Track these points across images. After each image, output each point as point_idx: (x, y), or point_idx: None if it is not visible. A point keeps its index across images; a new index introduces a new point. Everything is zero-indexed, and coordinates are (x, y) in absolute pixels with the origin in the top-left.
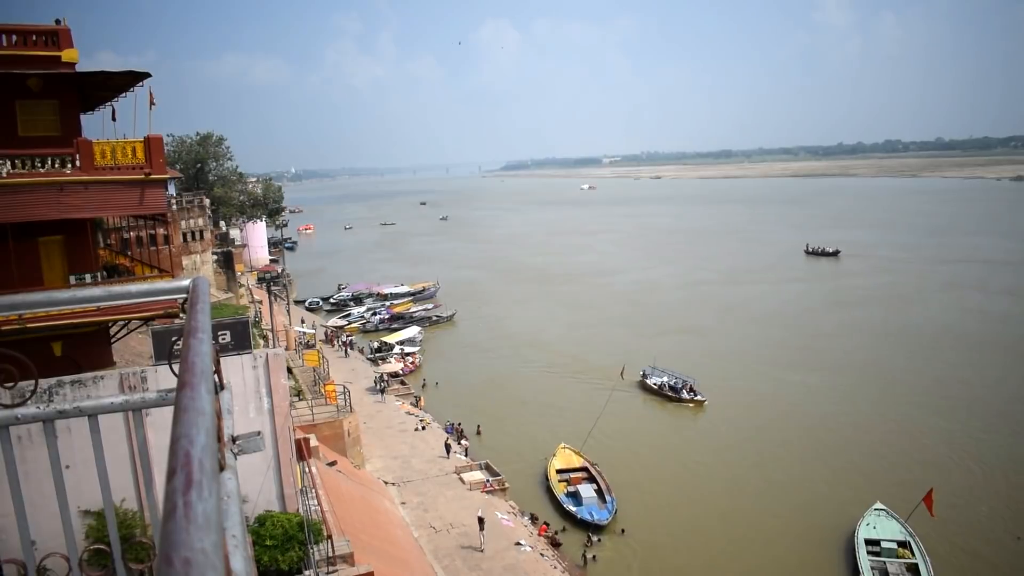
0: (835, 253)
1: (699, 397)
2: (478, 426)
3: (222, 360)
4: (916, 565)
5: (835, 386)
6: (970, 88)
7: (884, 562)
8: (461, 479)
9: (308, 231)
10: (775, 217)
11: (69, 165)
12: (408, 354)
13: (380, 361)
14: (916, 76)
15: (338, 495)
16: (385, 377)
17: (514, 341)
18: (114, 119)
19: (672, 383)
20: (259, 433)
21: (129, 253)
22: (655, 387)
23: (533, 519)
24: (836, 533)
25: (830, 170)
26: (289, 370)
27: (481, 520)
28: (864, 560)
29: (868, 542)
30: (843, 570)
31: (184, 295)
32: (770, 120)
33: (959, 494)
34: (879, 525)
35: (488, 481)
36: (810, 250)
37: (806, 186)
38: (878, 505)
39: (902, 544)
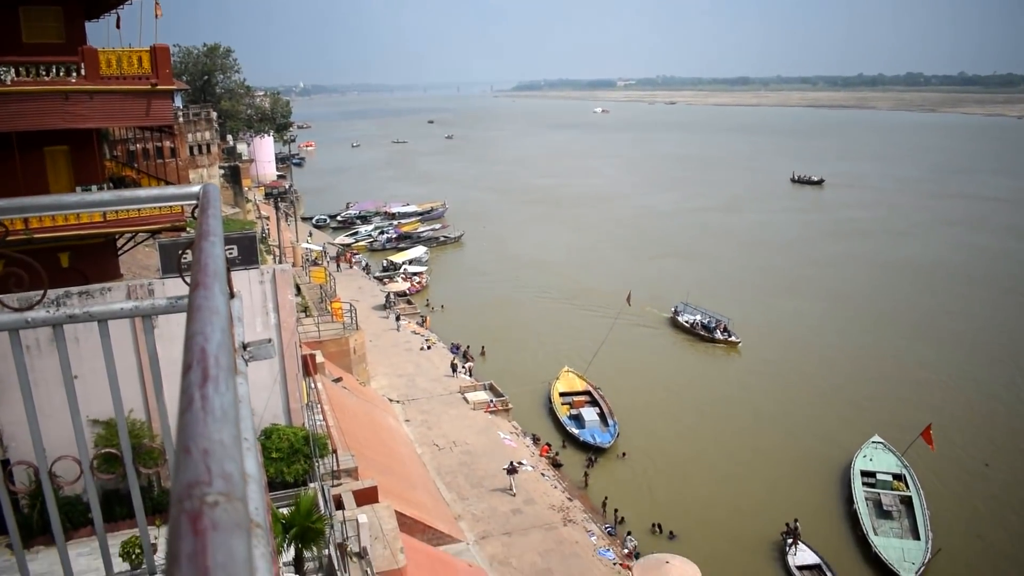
0: (819, 182)
1: (733, 338)
2: (482, 347)
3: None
4: (910, 497)
5: (832, 317)
6: (997, 22)
7: (879, 493)
8: (465, 399)
9: (309, 148)
10: (785, 148)
11: (74, 74)
12: (414, 274)
13: (387, 280)
14: (942, 6)
15: (343, 411)
16: (392, 296)
17: (520, 263)
18: (118, 27)
19: (706, 321)
20: (270, 340)
21: (136, 165)
22: (687, 325)
23: (535, 440)
24: (834, 465)
25: (848, 101)
26: (296, 287)
27: (513, 469)
28: (859, 491)
29: (864, 474)
30: (839, 501)
31: (194, 201)
32: (790, 48)
33: (956, 428)
34: (876, 458)
35: (492, 401)
36: (795, 178)
37: (821, 117)
38: (876, 438)
39: (897, 477)
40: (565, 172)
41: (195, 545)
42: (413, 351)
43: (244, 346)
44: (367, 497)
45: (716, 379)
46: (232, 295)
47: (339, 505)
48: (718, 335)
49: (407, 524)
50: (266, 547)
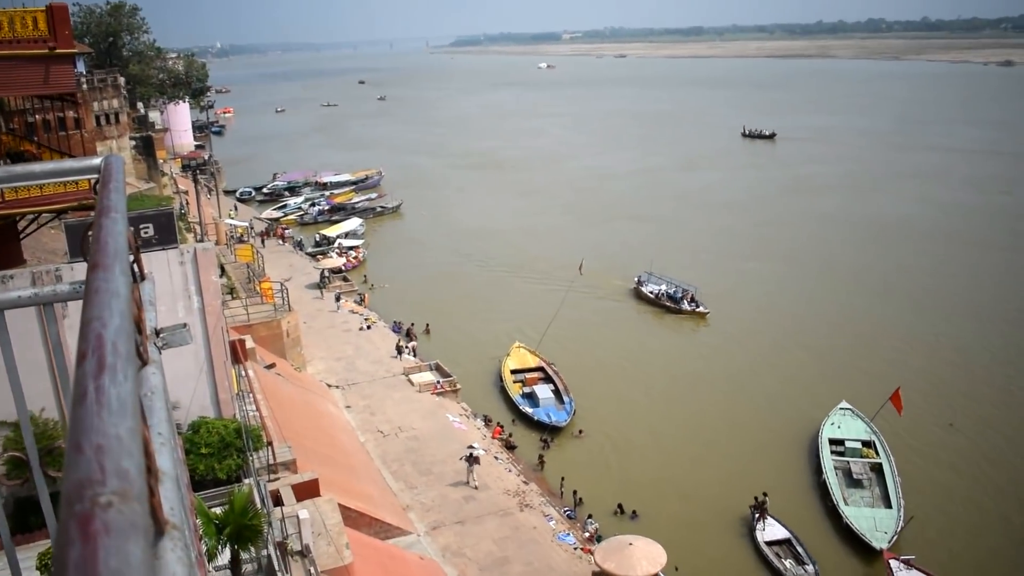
0: (771, 136)
1: (701, 308)
2: (426, 325)
3: (145, 256)
4: (880, 465)
5: (796, 280)
6: None
7: (848, 462)
8: (410, 380)
9: (227, 114)
10: (743, 101)
11: None
12: (350, 248)
13: (320, 256)
14: None
15: (278, 399)
16: (327, 273)
17: (464, 233)
18: None
19: (671, 291)
20: (185, 325)
21: (36, 139)
22: (652, 296)
23: (487, 421)
24: (803, 434)
25: (807, 50)
26: (220, 267)
27: (471, 458)
28: (828, 460)
29: (832, 442)
30: (808, 471)
31: (96, 175)
32: None
33: (922, 389)
34: (844, 425)
35: (438, 382)
36: (747, 133)
37: (780, 68)
38: (843, 404)
39: (866, 444)
40: (509, 133)
41: (84, 551)
42: (352, 332)
43: (157, 332)
44: (308, 491)
45: (681, 351)
46: (142, 277)
47: (277, 501)
48: (685, 305)
49: (352, 518)
50: (184, 550)
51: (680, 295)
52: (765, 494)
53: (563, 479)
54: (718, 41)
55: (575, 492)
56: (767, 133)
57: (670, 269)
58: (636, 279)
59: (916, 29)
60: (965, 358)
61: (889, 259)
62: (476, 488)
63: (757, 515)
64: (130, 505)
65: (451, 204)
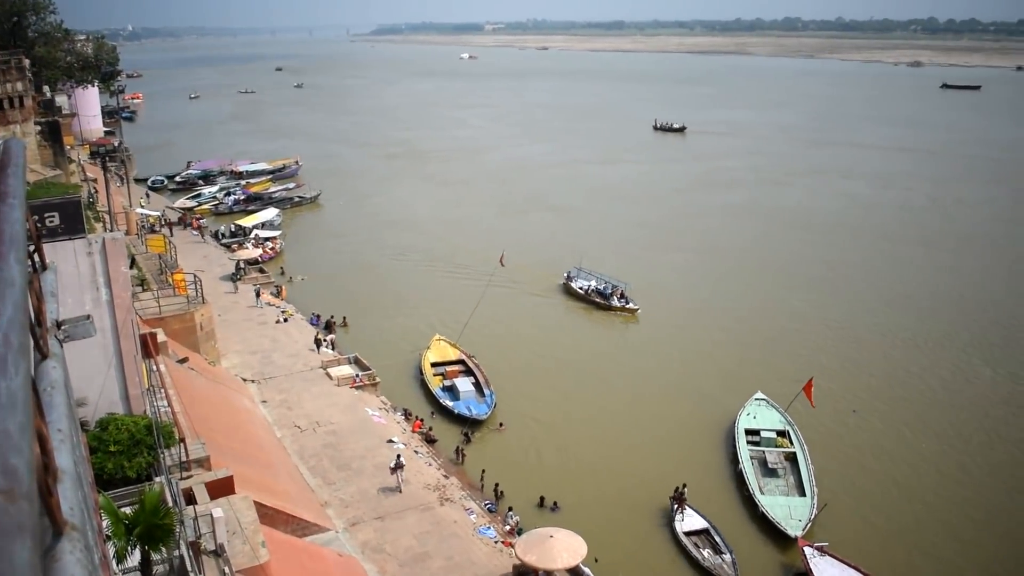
0: (681, 129)
1: (631, 305)
2: (343, 317)
3: (50, 247)
4: (794, 454)
5: (714, 272)
6: None
7: (763, 451)
8: (328, 374)
9: (136, 100)
10: (661, 96)
11: None
12: (266, 239)
13: (235, 247)
14: None
15: (191, 395)
16: (242, 264)
17: (384, 224)
18: None
19: (601, 287)
20: (89, 317)
21: None
22: (581, 292)
23: (406, 415)
24: (719, 425)
25: (726, 47)
26: (131, 258)
27: (399, 465)
28: (744, 450)
29: (748, 432)
30: (724, 461)
31: None
32: None
33: (831, 378)
34: (759, 415)
35: (357, 376)
36: (658, 126)
37: (700, 64)
38: (758, 395)
39: (781, 433)
40: (430, 124)
41: None
42: (268, 324)
43: (59, 324)
44: (222, 489)
45: (607, 347)
46: (43, 267)
47: (190, 499)
48: (615, 302)
49: (269, 515)
50: (85, 551)
51: (610, 291)
52: (684, 485)
53: (484, 472)
54: (639, 36)
55: (496, 485)
56: (677, 126)
57: (591, 261)
58: (566, 275)
59: (831, 29)
60: (869, 347)
61: (799, 251)
62: (401, 491)
63: (676, 506)
64: (17, 504)
65: (371, 194)
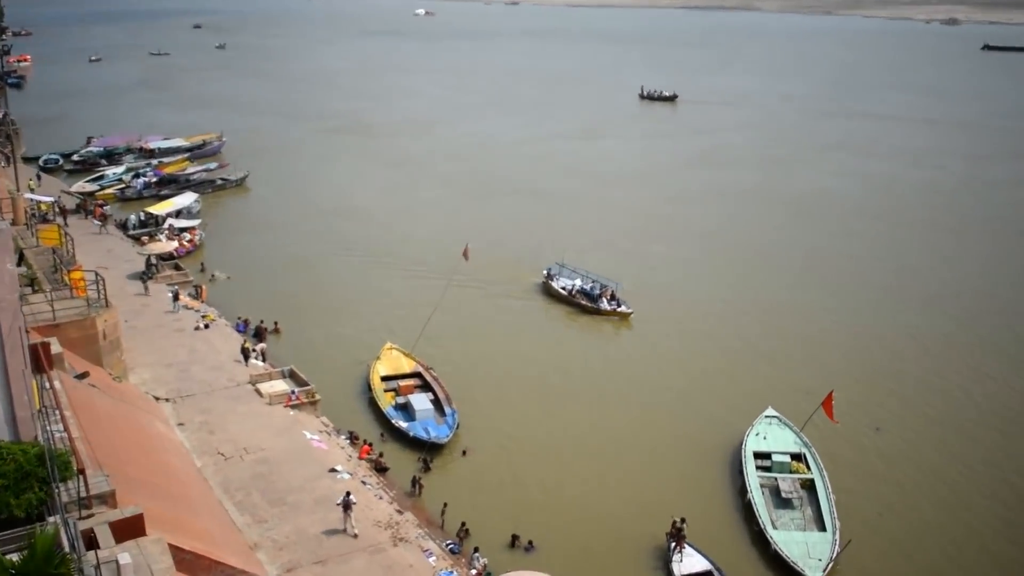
0: (671, 98)
1: (623, 308)
2: (275, 323)
3: None
4: (812, 481)
5: (715, 266)
6: None
7: (775, 478)
8: (258, 391)
9: (24, 63)
10: (650, 60)
11: None
12: (183, 229)
13: (146, 239)
14: None
15: (92, 417)
16: (154, 260)
17: (324, 211)
18: None
19: (587, 287)
20: None
21: None
22: (564, 292)
23: (352, 439)
24: (724, 447)
25: (728, 2)
26: (19, 252)
27: (347, 504)
28: (752, 477)
29: (757, 455)
30: (730, 490)
31: None
32: None
33: (854, 392)
34: (770, 435)
35: (293, 393)
36: (645, 94)
37: (696, 21)
38: (769, 411)
39: (796, 457)
40: (379, 92)
41: None
42: (186, 332)
43: None
44: (130, 530)
45: (590, 356)
46: None
47: (92, 543)
48: (604, 304)
49: (186, 561)
50: None
51: (598, 292)
52: (683, 519)
53: (445, 506)
54: None
55: (463, 524)
56: (667, 95)
57: (574, 256)
58: (545, 272)
59: None
60: (894, 352)
61: (812, 241)
62: (356, 536)
63: (674, 544)
64: None
65: (308, 176)
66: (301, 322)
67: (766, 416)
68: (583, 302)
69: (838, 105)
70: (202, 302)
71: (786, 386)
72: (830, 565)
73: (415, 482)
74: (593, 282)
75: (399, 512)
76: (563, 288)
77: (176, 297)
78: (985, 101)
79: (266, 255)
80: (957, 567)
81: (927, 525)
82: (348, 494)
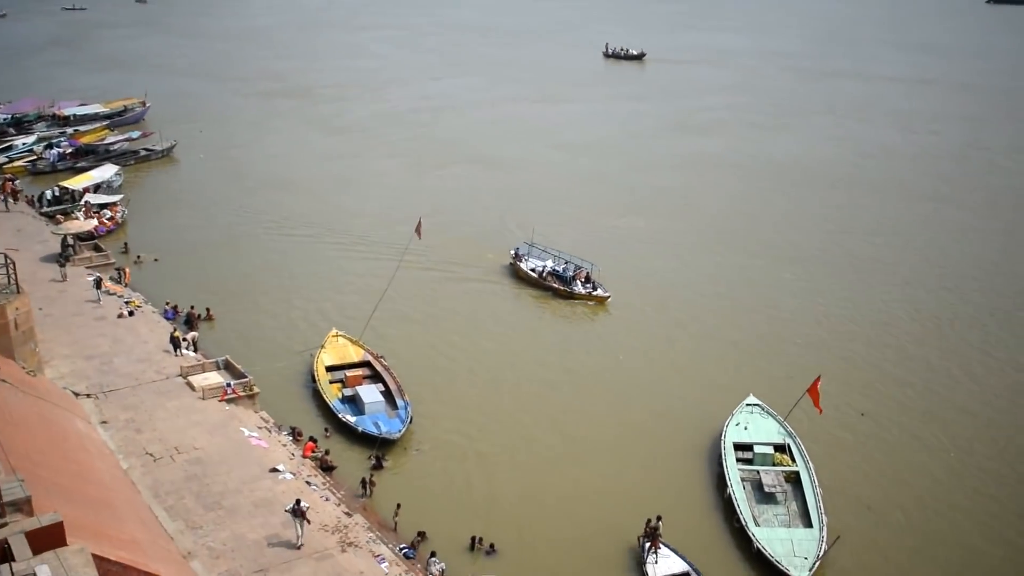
0: (639, 56)
1: (600, 291)
2: (207, 309)
3: None
4: (796, 473)
5: (687, 241)
6: None
7: (757, 471)
8: (190, 384)
9: None
10: (621, 13)
11: None
12: (103, 206)
13: (61, 217)
14: None
15: (4, 416)
16: (71, 240)
17: (259, 184)
18: None
19: (559, 269)
20: None
21: None
22: (534, 275)
23: (295, 435)
24: (703, 437)
25: None
26: None
27: (298, 511)
28: (732, 470)
29: (738, 447)
30: (709, 484)
31: None
32: None
33: (847, 377)
34: (752, 425)
35: (229, 385)
36: (610, 52)
37: None
38: (751, 399)
39: (779, 448)
40: (318, 51)
41: None
42: (108, 320)
43: None
44: (48, 539)
45: (561, 343)
46: None
47: (5, 556)
48: (578, 287)
49: (112, 572)
50: None
51: (571, 274)
52: (658, 517)
53: (399, 507)
54: None
55: (423, 534)
56: (634, 53)
57: (541, 231)
58: (513, 252)
59: None
60: (883, 332)
61: (797, 213)
62: (300, 547)
63: (648, 544)
64: None
65: (241, 145)
66: (237, 308)
67: (747, 404)
68: (555, 285)
69: (825, 64)
70: (126, 287)
71: (768, 371)
72: (817, 564)
73: (366, 482)
74: (566, 263)
75: (347, 514)
76: (533, 270)
77: (99, 284)
78: (987, 59)
79: (197, 234)
80: (951, 561)
81: (925, 516)
82: (299, 501)
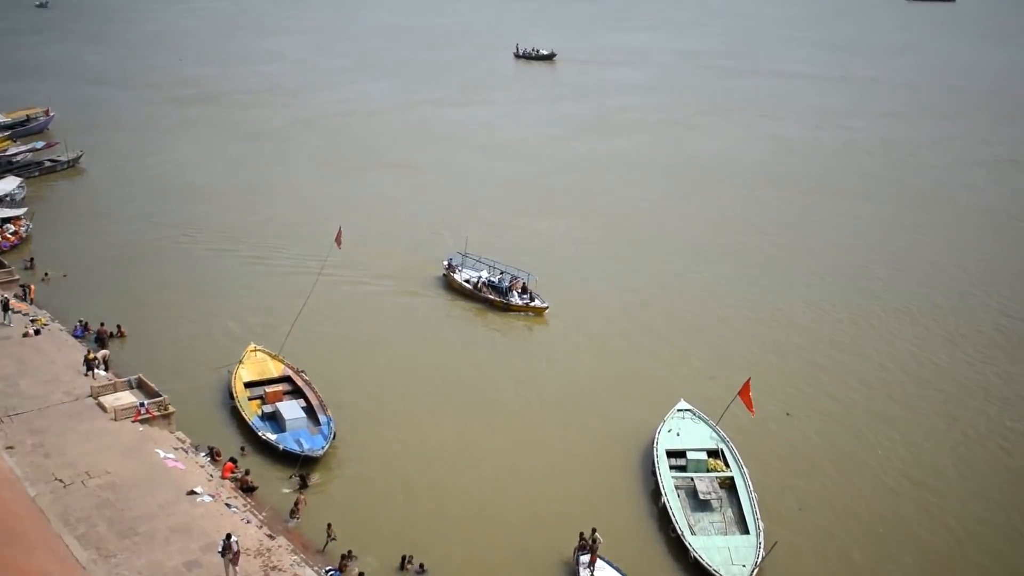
0: (549, 57)
1: (537, 302)
2: (119, 326)
3: None
4: (731, 479)
5: (613, 242)
6: None
7: (691, 478)
8: (100, 405)
9: None
10: (535, 14)
11: None
12: (6, 220)
13: None
14: None
15: None
16: None
17: (170, 194)
18: None
19: (495, 280)
20: None
21: None
22: (468, 286)
23: (213, 456)
24: (636, 446)
25: None
26: None
27: (227, 547)
28: (666, 478)
29: (671, 454)
30: (642, 493)
31: None
32: None
33: (777, 377)
34: (684, 430)
35: (142, 405)
36: (520, 53)
37: None
38: (682, 404)
39: (713, 453)
40: (230, 56)
41: None
42: (12, 340)
43: None
44: None
45: (494, 355)
46: None
47: None
48: (515, 298)
49: None
50: None
51: (507, 284)
52: (594, 530)
53: (330, 528)
54: None
55: (351, 553)
56: (544, 53)
57: (454, 233)
58: (446, 263)
59: None
60: (809, 328)
61: (718, 212)
62: None
63: (588, 557)
64: None
65: (153, 155)
66: (150, 323)
67: (679, 410)
68: (491, 296)
69: (741, 62)
70: (31, 304)
71: (697, 374)
72: (755, 571)
73: (294, 510)
74: (502, 273)
75: (270, 537)
76: (467, 281)
77: (6, 307)
78: (899, 56)
79: (106, 247)
80: (890, 558)
81: (864, 515)
82: (229, 536)
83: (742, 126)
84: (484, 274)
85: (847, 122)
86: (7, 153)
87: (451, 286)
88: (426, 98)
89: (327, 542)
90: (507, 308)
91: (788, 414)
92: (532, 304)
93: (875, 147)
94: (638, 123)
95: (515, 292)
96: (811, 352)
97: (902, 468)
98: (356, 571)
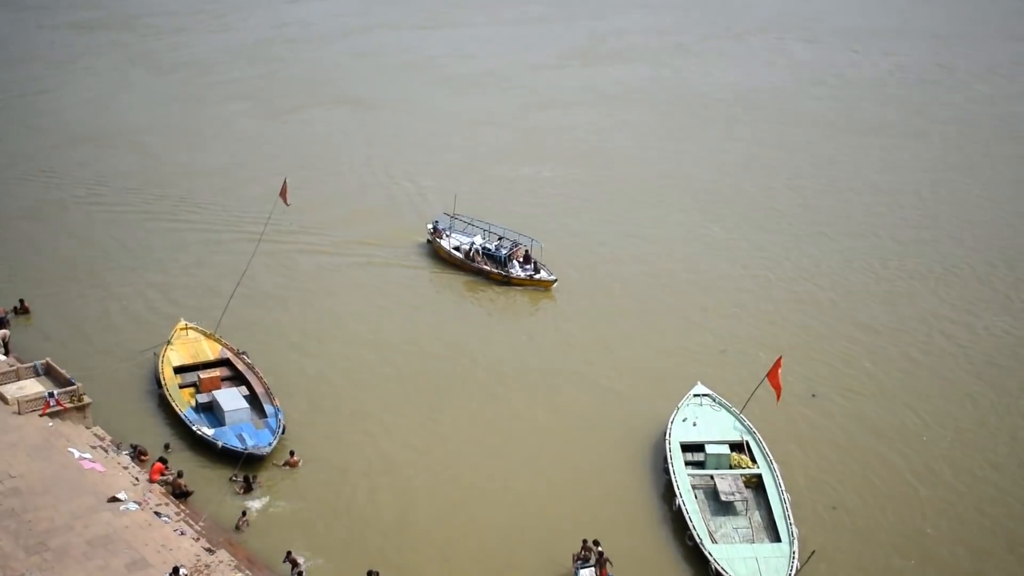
0: None
1: (544, 274)
2: (21, 300)
3: None
4: (759, 476)
5: (601, 191)
6: None
7: (711, 476)
8: (1, 396)
9: None
10: None
11: None
12: None
13: None
14: None
15: None
16: None
17: (76, 139)
18: None
19: (491, 247)
20: None
21: None
22: (460, 255)
23: (138, 455)
24: (647, 437)
25: None
26: None
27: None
28: (681, 476)
29: (686, 447)
30: (654, 493)
31: None
32: None
33: (802, 355)
34: (701, 419)
35: (52, 396)
36: None
37: None
38: (699, 388)
39: (736, 447)
40: None
41: None
42: None
43: None
44: None
45: (483, 332)
46: None
47: None
48: (516, 270)
49: None
50: None
51: (506, 253)
52: (596, 543)
53: (291, 556)
54: None
55: (301, 560)
56: None
57: (464, 200)
58: (431, 226)
59: None
60: (845, 294)
61: (731, 154)
62: None
63: (586, 567)
64: None
65: (52, 91)
66: (58, 298)
67: (695, 395)
68: (485, 267)
69: None
70: None
71: (716, 352)
72: None
73: (241, 520)
74: (500, 239)
75: (209, 550)
76: (457, 248)
77: None
78: None
79: None
80: (941, 564)
81: (914, 514)
82: (177, 570)
83: (763, 51)
84: (478, 240)
85: (892, 45)
86: None
87: (438, 254)
88: (385, 20)
89: (288, 556)
90: (507, 281)
91: (814, 395)
92: (536, 277)
93: (928, 74)
94: (638, 49)
95: (516, 262)
96: (841, 321)
97: (952, 458)
98: None
